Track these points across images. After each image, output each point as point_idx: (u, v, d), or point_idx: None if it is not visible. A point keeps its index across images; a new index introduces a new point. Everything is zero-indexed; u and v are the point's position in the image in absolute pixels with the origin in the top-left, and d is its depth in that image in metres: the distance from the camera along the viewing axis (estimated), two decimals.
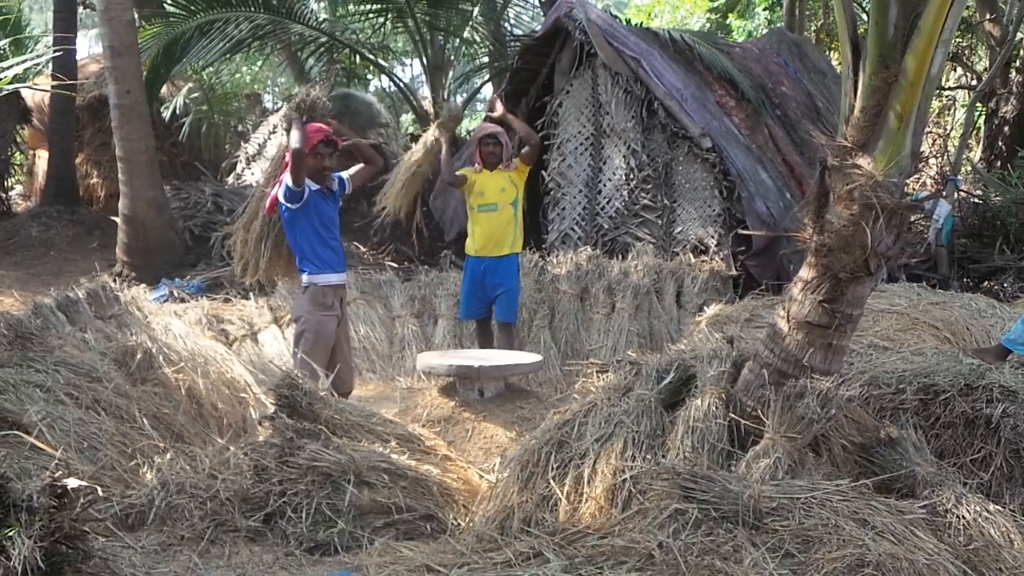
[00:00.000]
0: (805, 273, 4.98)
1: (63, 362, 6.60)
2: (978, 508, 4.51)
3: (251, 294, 10.95)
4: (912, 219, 4.83)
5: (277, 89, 33.27)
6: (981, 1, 20.35)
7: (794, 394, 4.80)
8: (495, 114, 9.96)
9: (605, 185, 13.81)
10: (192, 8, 17.36)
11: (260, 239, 7.87)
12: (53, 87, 15.16)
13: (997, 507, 4.61)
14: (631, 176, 13.59)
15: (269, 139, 19.32)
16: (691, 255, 12.76)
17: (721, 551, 4.04)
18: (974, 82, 23.03)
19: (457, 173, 9.74)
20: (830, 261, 4.77)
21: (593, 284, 11.21)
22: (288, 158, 7.20)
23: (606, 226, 13.68)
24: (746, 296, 10.90)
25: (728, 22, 28.15)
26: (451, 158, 9.83)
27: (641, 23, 18.67)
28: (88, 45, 31.20)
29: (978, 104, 20.49)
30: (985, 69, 22.16)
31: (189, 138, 20.12)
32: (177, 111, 19.47)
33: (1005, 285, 13.95)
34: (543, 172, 14.17)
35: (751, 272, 12.67)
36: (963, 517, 4.45)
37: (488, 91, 24.54)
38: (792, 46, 18.12)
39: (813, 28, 25.86)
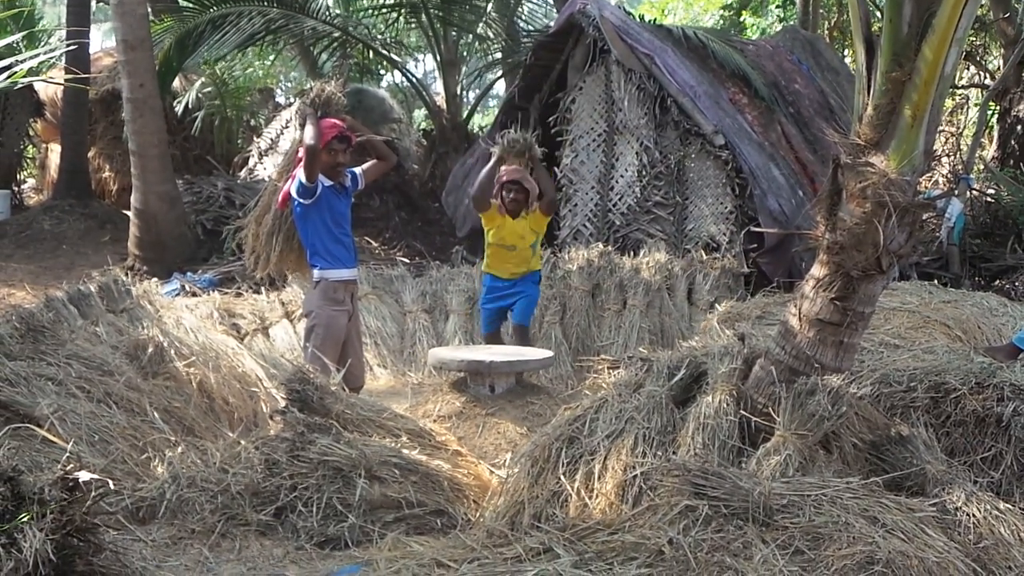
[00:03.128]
0: (817, 271, 4.98)
1: (75, 355, 6.62)
2: (988, 507, 4.51)
3: (262, 288, 10.97)
4: (924, 217, 4.83)
5: (290, 84, 33.28)
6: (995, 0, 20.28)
7: (805, 391, 4.80)
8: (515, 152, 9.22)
9: (617, 182, 13.81)
10: (205, 2, 17.43)
11: (271, 233, 7.87)
12: (66, 81, 15.22)
13: (1007, 505, 4.60)
14: (643, 173, 13.59)
15: (282, 134, 19.33)
16: (703, 252, 12.75)
17: (731, 548, 4.04)
18: (987, 81, 22.95)
19: (490, 200, 9.24)
20: (842, 259, 4.77)
21: (604, 281, 11.21)
22: (302, 153, 7.19)
23: (618, 223, 13.68)
24: (758, 293, 10.89)
25: (742, 19, 28.08)
26: (492, 175, 9.18)
27: (654, 20, 18.62)
28: (101, 39, 31.27)
29: (991, 103, 20.41)
30: (998, 68, 22.09)
31: (201, 132, 20.14)
32: (190, 105, 19.49)
33: (1017, 284, 13.92)
34: (555, 168, 14.18)
35: (763, 269, 12.67)
36: (973, 515, 4.44)
37: (501, 87, 24.53)
38: (805, 44, 18.09)
39: (826, 26, 25.79)
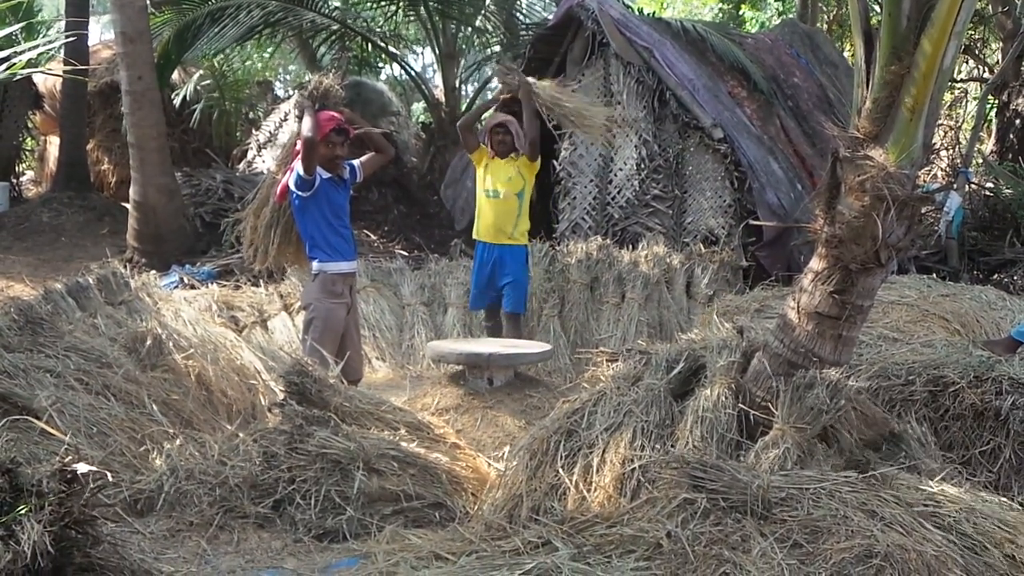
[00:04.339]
0: (816, 264, 4.98)
1: (73, 348, 6.62)
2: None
3: (261, 281, 10.95)
4: (923, 211, 4.83)
5: (288, 77, 33.25)
6: None
7: (803, 385, 4.80)
8: (509, 88, 9.38)
9: (616, 175, 13.81)
10: None
11: (270, 225, 7.87)
12: (65, 72, 15.18)
13: (1005, 499, 4.60)
14: (642, 166, 13.60)
15: (280, 127, 19.30)
16: (702, 245, 12.75)
17: (729, 541, 4.04)
18: (986, 74, 22.94)
19: (478, 140, 9.74)
20: (841, 252, 4.77)
21: (603, 274, 11.18)
22: (300, 146, 7.19)
23: (617, 216, 13.69)
24: (756, 287, 10.90)
25: (740, 13, 28.04)
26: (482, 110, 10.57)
27: (653, 13, 18.63)
28: (100, 31, 31.23)
29: (990, 97, 20.39)
30: (997, 62, 22.08)
31: (200, 125, 20.06)
32: (188, 98, 19.45)
33: (1015, 278, 13.90)
34: (554, 161, 14.17)
35: (761, 263, 12.67)
36: None
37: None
38: (804, 37, 18.07)
39: (825, 19, 25.77)
